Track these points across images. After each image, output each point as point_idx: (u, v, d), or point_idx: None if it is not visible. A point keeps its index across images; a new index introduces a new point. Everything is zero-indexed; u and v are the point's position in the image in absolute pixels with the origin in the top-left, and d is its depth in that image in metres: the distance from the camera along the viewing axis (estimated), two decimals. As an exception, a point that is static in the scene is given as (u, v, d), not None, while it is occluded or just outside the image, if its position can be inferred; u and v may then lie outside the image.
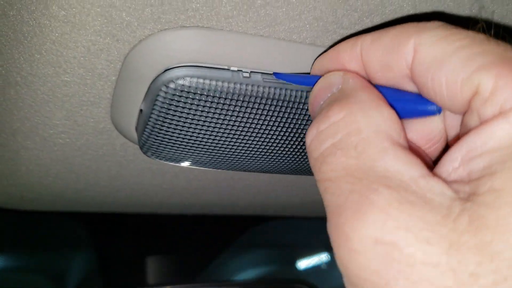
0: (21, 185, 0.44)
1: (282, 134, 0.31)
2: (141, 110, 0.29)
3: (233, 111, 0.28)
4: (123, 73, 0.28)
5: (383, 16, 0.26)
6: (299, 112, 0.29)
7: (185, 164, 0.34)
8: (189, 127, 0.29)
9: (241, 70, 0.27)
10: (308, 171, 0.36)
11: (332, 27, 0.27)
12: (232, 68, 0.27)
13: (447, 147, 0.21)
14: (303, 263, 1.25)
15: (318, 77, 0.23)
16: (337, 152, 0.17)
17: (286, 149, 0.32)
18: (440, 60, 0.18)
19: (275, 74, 0.28)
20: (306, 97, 0.29)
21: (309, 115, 0.30)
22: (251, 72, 0.28)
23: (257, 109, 0.28)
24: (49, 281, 0.94)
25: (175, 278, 0.82)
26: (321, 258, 1.24)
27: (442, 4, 0.26)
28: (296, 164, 0.34)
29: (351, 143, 0.17)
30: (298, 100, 0.29)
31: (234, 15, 0.25)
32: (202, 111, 0.28)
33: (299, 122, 0.30)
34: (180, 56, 0.26)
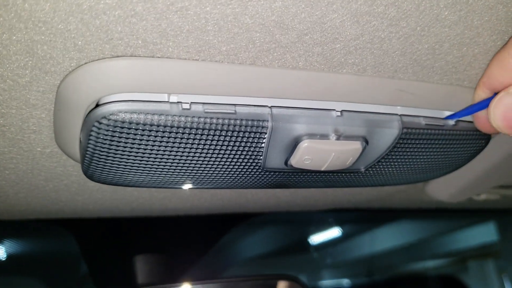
0: None
1: (226, 159, 0.30)
2: (80, 140, 0.28)
3: (174, 142, 0.27)
4: (58, 103, 0.27)
5: (323, 33, 0.25)
6: (244, 140, 0.29)
7: (133, 187, 0.33)
8: (128, 158, 0.28)
9: (180, 102, 0.26)
10: (258, 183, 0.35)
11: (271, 46, 0.26)
12: (171, 99, 0.26)
13: None
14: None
15: (489, 99, 0.30)
16: None
17: (233, 170, 0.32)
18: None
19: (448, 118, 0.33)
20: (256, 126, 0.28)
21: (257, 140, 0.29)
22: (191, 103, 0.27)
23: (200, 139, 0.28)
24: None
25: (164, 277, 0.82)
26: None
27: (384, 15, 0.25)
28: (243, 180, 0.34)
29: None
30: (243, 129, 0.28)
31: (162, 41, 0.24)
32: (140, 144, 0.27)
33: (242, 148, 0.29)
34: (112, 86, 0.25)
